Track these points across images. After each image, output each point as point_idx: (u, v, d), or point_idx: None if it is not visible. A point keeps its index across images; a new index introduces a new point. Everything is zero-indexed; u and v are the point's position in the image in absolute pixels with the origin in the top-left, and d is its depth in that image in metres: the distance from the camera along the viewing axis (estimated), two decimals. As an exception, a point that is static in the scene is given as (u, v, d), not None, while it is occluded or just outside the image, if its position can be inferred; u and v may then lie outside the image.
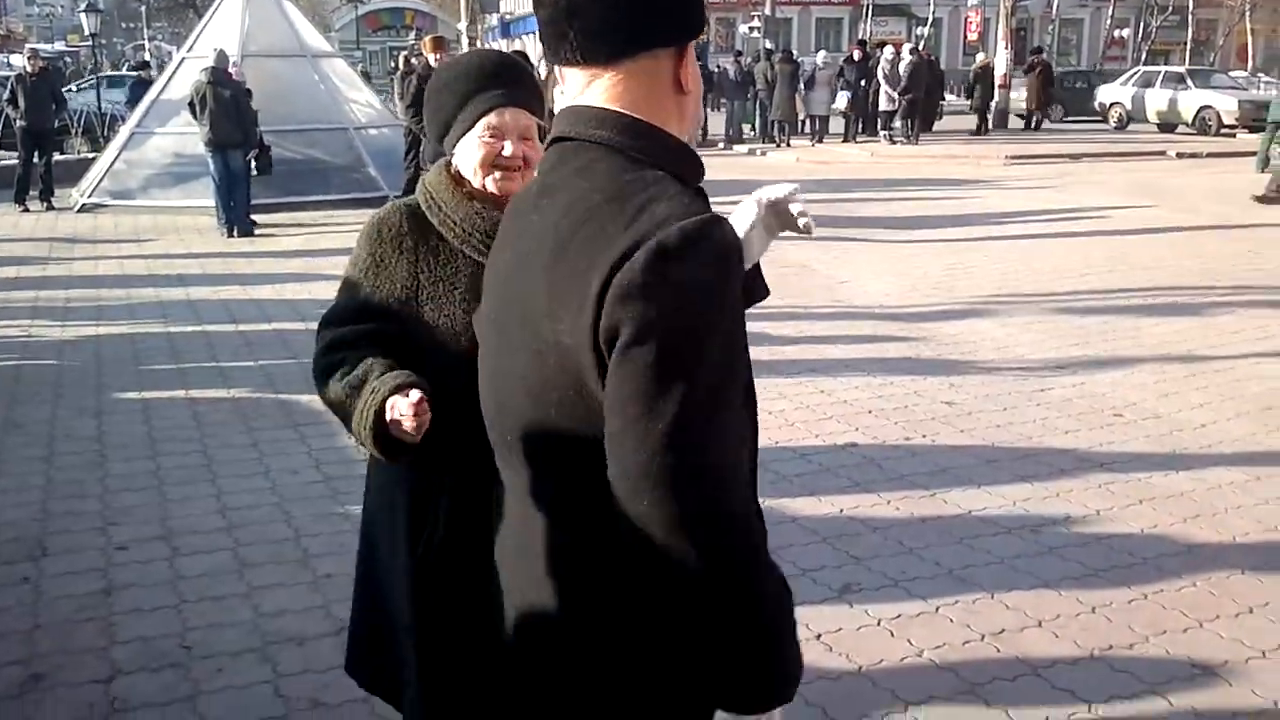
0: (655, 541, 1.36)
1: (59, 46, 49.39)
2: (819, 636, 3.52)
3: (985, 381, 6.29)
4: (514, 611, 1.64)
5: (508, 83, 2.11)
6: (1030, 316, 7.82)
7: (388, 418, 1.88)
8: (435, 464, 2.09)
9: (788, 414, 5.72)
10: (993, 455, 5.15)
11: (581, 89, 1.54)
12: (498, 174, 2.08)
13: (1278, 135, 14.11)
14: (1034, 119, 25.44)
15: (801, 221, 1.93)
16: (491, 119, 2.06)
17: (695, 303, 1.35)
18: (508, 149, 2.07)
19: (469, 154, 2.09)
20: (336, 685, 3.09)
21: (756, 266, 1.96)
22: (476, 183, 2.09)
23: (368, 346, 2.05)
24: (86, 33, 26.25)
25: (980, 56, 25.55)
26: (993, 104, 24.28)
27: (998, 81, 24.66)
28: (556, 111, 1.58)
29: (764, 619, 1.42)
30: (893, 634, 3.56)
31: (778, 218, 1.96)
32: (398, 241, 2.10)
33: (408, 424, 1.85)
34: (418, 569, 2.13)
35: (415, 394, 1.85)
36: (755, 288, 1.98)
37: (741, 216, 1.90)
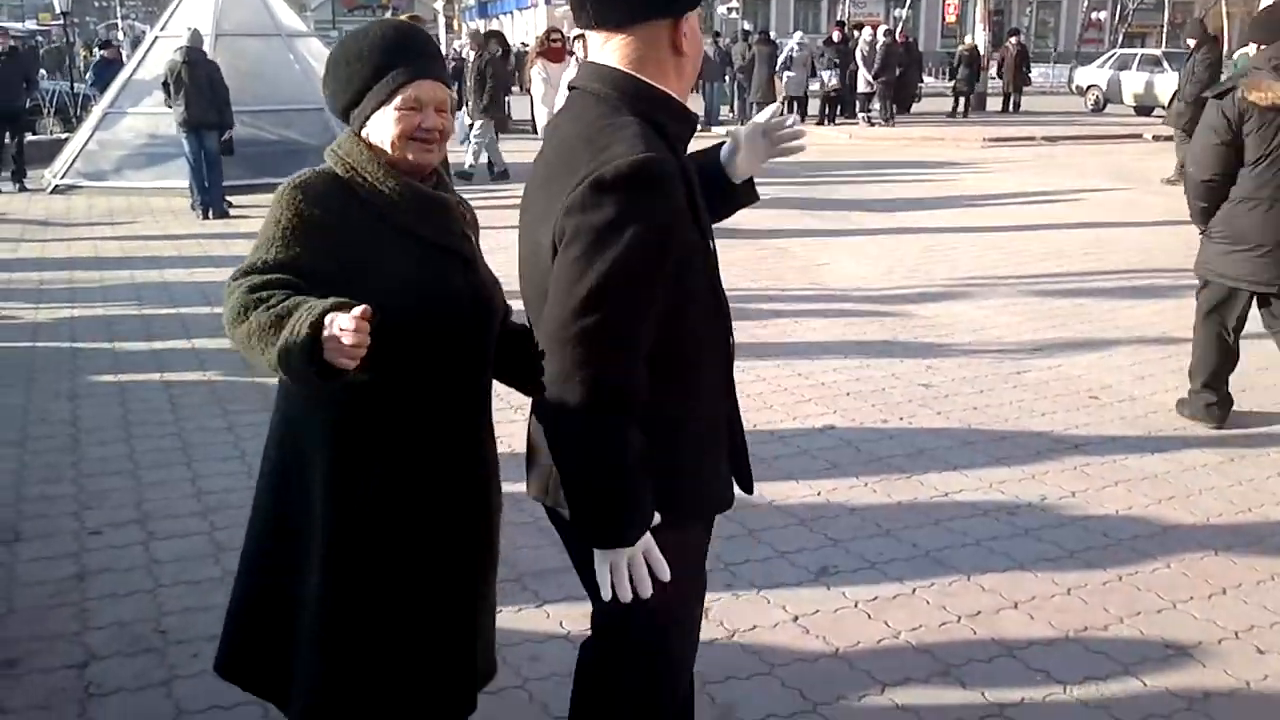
0: (548, 393, 1.84)
1: (30, 25, 48.75)
2: (796, 619, 3.54)
3: (962, 364, 6.31)
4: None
5: (423, 55, 2.14)
6: (1007, 299, 7.86)
7: (325, 333, 1.76)
8: (361, 443, 2.08)
9: (765, 396, 5.72)
10: (969, 437, 5.17)
11: (599, 49, 1.96)
12: (416, 145, 2.10)
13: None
14: (1010, 100, 25.49)
15: (789, 130, 2.29)
16: (410, 91, 2.08)
17: (614, 219, 1.77)
18: (428, 120, 2.10)
19: (386, 125, 2.09)
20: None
21: (749, 181, 2.35)
22: (395, 154, 2.10)
23: (286, 288, 1.94)
24: (58, 11, 25.88)
25: (969, 39, 25.55)
26: (977, 86, 24.30)
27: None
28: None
29: (589, 465, 1.85)
30: (869, 616, 3.57)
31: (766, 137, 2.30)
32: (323, 204, 2.06)
33: (348, 338, 1.73)
34: (334, 543, 2.12)
35: (359, 308, 1.76)
36: (747, 196, 2.36)
37: (728, 146, 2.29)
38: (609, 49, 1.93)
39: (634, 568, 1.88)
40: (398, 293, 2.03)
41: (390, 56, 2.09)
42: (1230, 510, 4.38)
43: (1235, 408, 5.32)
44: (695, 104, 22.11)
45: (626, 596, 1.88)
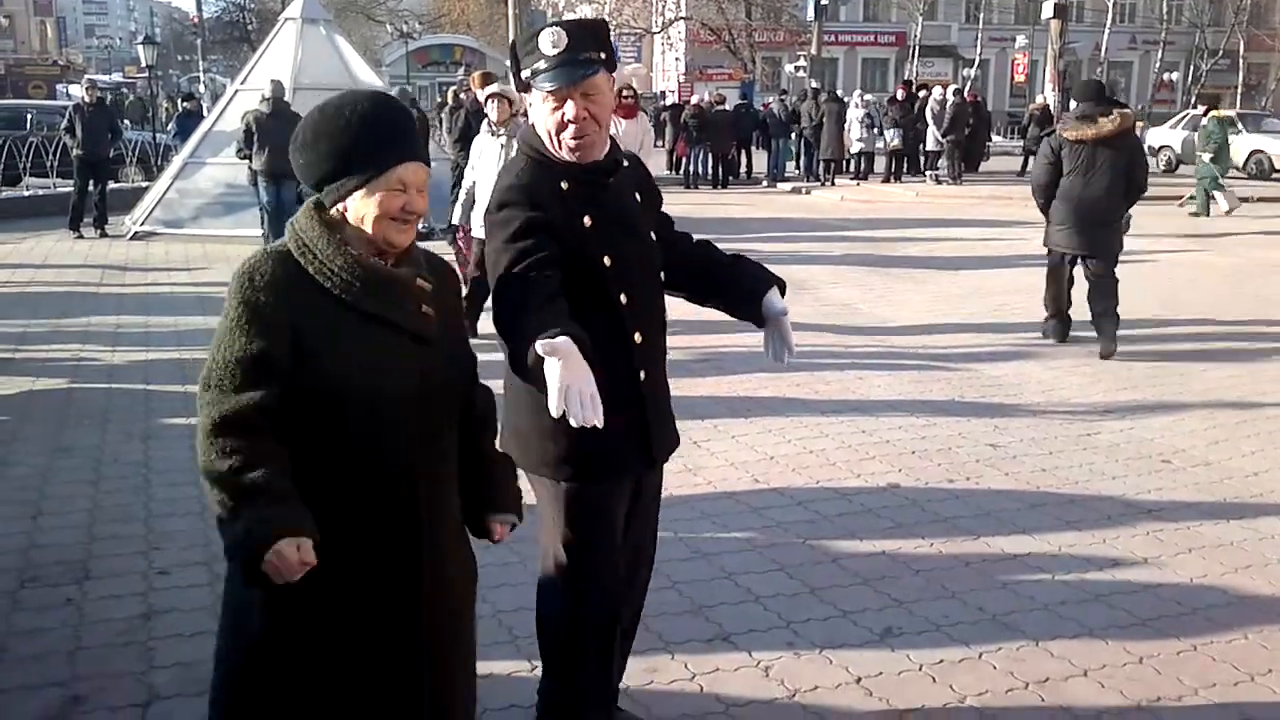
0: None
1: (116, 78, 50.49)
2: (859, 680, 3.48)
3: (1030, 424, 6.21)
4: None
5: (409, 135, 2.16)
6: (1077, 359, 7.74)
7: (267, 558, 1.95)
8: (333, 531, 2.08)
9: (829, 453, 5.68)
10: (1038, 500, 5.08)
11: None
12: (395, 225, 2.12)
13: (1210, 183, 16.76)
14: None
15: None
16: (398, 173, 2.10)
17: (494, 226, 2.57)
18: (412, 203, 2.13)
19: (369, 205, 2.10)
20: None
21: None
22: (373, 233, 2.11)
23: (257, 434, 2.02)
24: (143, 64, 26.81)
25: (1040, 98, 25.43)
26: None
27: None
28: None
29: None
30: (934, 680, 3.50)
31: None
32: (271, 289, 2.06)
33: (284, 577, 1.96)
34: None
35: (306, 556, 1.96)
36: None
37: (772, 307, 2.90)
38: None
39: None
40: (350, 374, 2.07)
41: (380, 135, 2.10)
42: (1310, 581, 4.25)
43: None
44: (759, 160, 22.07)
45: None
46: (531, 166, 2.61)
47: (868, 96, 23.13)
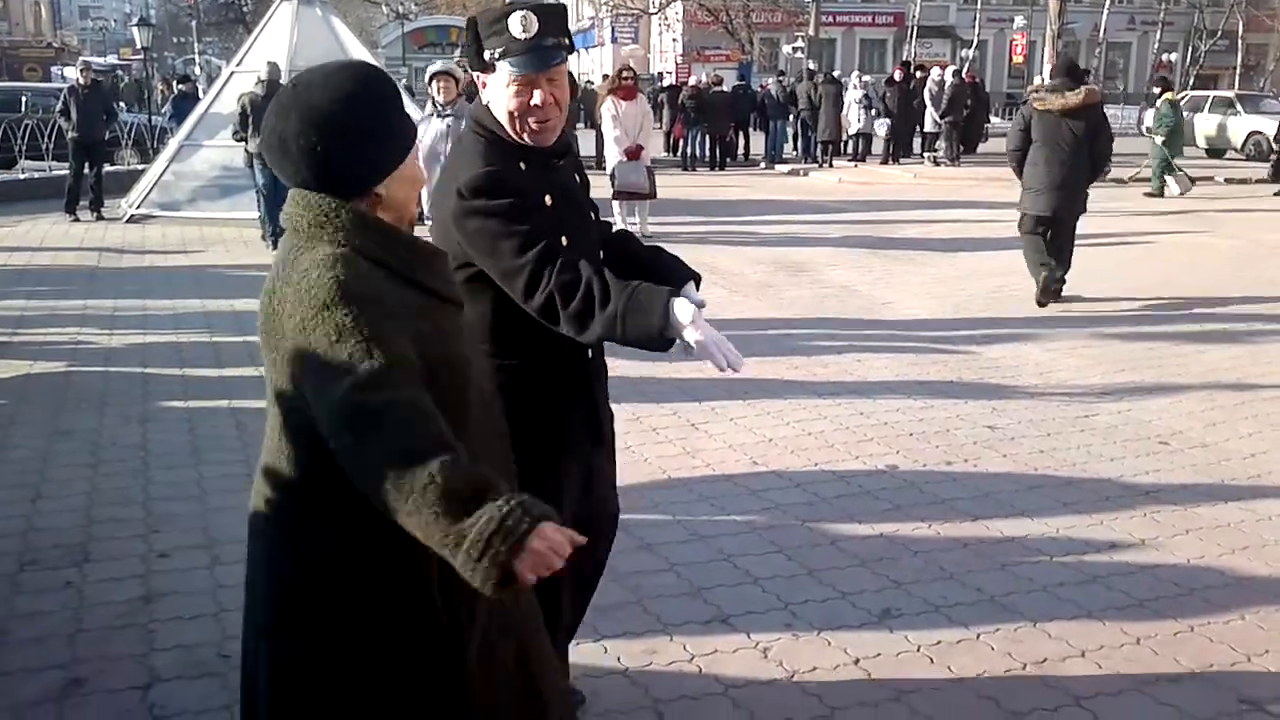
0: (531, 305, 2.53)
1: (111, 60, 50.27)
2: (857, 661, 3.49)
3: (1028, 406, 6.22)
4: None
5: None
6: (1075, 341, 7.74)
7: (531, 543, 1.69)
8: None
9: (827, 435, 5.68)
10: (1036, 481, 5.08)
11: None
12: (415, 195, 2.16)
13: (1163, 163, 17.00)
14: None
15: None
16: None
17: (482, 214, 2.56)
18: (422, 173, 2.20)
19: (405, 178, 2.05)
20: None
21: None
22: (403, 206, 2.08)
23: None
24: (138, 46, 26.69)
25: (1037, 79, 25.34)
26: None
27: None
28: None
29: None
30: (932, 661, 3.51)
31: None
32: (375, 282, 1.93)
33: (557, 560, 1.70)
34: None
35: (569, 533, 1.73)
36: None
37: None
38: None
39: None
40: (431, 350, 1.95)
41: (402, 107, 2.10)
42: (1307, 562, 4.26)
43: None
44: (757, 142, 21.99)
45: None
46: (491, 148, 2.60)
47: (865, 78, 23.04)
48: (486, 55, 2.55)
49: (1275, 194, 17.00)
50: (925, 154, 22.31)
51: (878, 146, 22.55)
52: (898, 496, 4.89)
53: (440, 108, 7.62)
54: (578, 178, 2.81)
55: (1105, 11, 40.34)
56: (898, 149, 22.17)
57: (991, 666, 3.47)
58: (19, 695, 3.30)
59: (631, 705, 3.25)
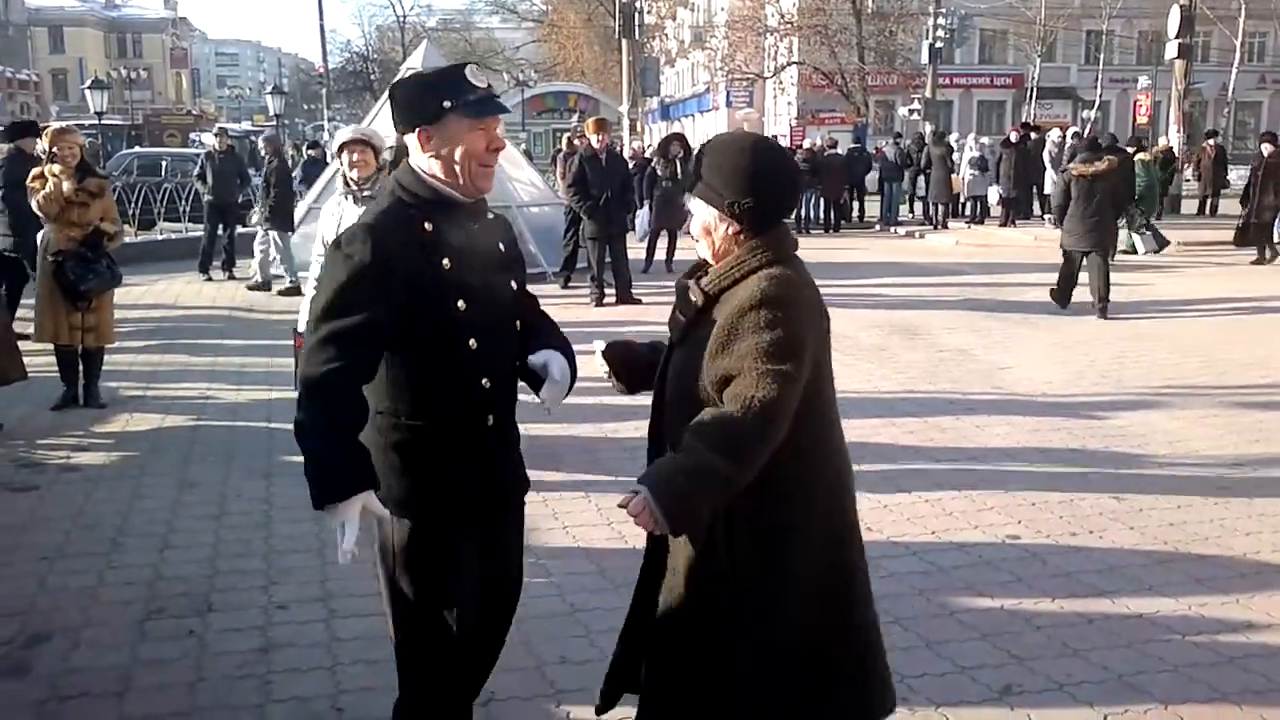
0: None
1: (245, 126, 52.50)
2: (977, 739, 3.37)
3: (1158, 476, 5.99)
4: None
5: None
6: (1206, 409, 7.45)
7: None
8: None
9: (945, 503, 5.55)
10: (1166, 555, 4.88)
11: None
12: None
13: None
14: (1208, 203, 24.47)
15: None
16: None
17: (332, 262, 2.62)
18: None
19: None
20: (482, 758, 3.08)
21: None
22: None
23: None
24: (271, 113, 27.89)
25: (1163, 140, 24.76)
26: (1171, 188, 23.44)
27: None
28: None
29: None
30: (1057, 741, 3.37)
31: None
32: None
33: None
34: None
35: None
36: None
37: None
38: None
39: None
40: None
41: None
42: None
43: None
44: (872, 205, 21.72)
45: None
46: (401, 207, 2.61)
47: (983, 139, 22.77)
48: (446, 104, 2.57)
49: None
50: (1045, 216, 21.86)
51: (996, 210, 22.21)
52: (1020, 568, 4.74)
53: (356, 186, 5.56)
54: (502, 247, 2.79)
55: (1234, 70, 39.24)
56: (1016, 211, 21.79)
57: (1120, 750, 3.32)
58: (142, 742, 3.38)
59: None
